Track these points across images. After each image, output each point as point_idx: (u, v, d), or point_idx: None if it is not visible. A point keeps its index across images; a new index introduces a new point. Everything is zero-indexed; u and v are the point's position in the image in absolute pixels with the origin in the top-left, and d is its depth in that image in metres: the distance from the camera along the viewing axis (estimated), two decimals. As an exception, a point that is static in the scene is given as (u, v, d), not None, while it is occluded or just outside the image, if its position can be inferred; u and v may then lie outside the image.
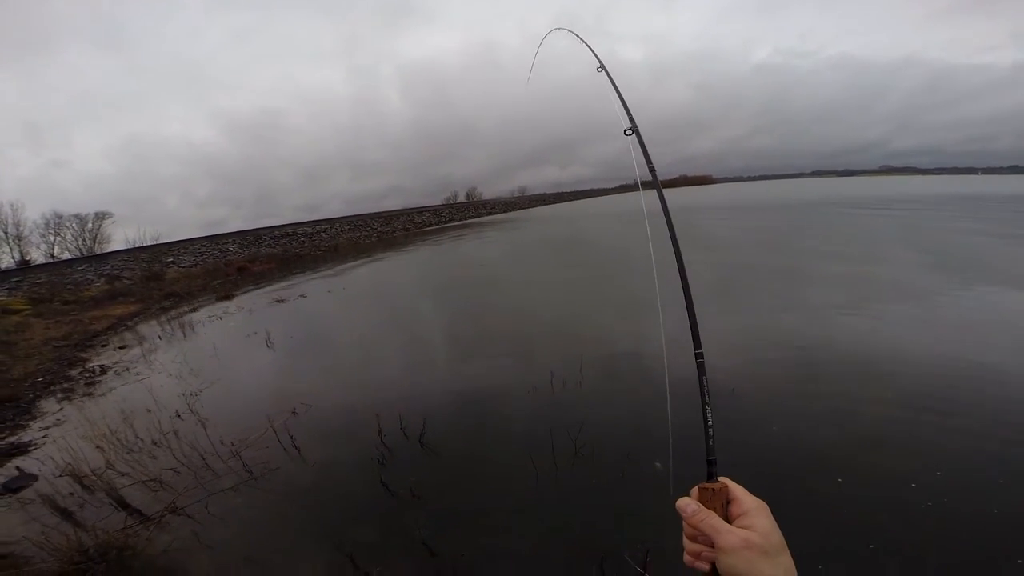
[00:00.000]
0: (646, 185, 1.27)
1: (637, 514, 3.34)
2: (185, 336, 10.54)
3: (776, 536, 0.66)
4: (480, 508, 3.63)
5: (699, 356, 0.91)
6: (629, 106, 1.38)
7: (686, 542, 0.73)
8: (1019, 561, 2.74)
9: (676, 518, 0.72)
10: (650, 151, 1.29)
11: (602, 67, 1.58)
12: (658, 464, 3.84)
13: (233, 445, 4.80)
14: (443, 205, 59.88)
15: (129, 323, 13.23)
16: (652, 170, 1.26)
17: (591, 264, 14.48)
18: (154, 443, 5.03)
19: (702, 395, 0.85)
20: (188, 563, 3.30)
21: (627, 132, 1.31)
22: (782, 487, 3.43)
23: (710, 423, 0.82)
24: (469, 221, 48.96)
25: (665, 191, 1.23)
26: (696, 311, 0.95)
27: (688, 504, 0.73)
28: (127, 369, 8.29)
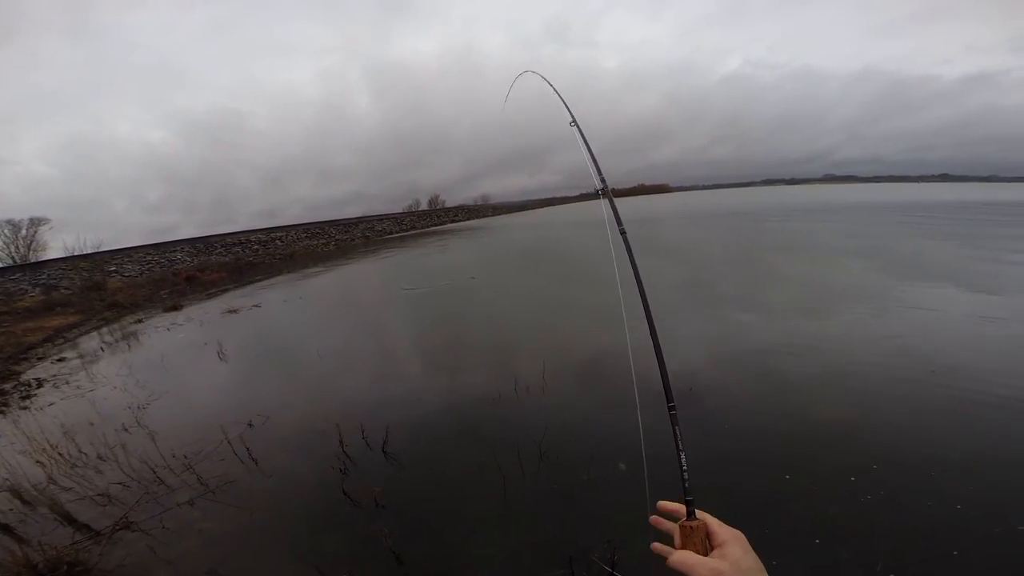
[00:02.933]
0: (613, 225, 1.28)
1: (603, 514, 3.43)
2: (130, 348, 10.10)
3: (747, 562, 0.72)
4: (447, 515, 3.64)
5: (672, 408, 0.96)
6: (599, 162, 1.37)
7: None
8: (954, 553, 2.86)
9: (646, 521, 0.86)
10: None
11: (574, 122, 1.54)
12: (622, 465, 3.95)
13: (186, 458, 4.68)
14: (404, 213, 59.21)
15: (68, 335, 12.51)
16: (623, 232, 1.26)
17: (554, 273, 14.77)
18: (100, 457, 4.85)
19: (676, 444, 0.91)
20: (146, 577, 3.22)
21: (599, 191, 1.33)
22: (734, 483, 3.59)
23: (685, 468, 0.89)
24: (432, 229, 48.70)
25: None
26: (663, 349, 1.00)
27: (661, 550, 0.82)
28: (67, 382, 7.88)
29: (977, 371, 5.24)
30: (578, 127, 1.51)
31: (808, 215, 29.69)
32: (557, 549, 3.12)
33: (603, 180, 1.33)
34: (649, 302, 1.12)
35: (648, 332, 1.08)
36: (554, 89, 1.80)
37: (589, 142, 1.45)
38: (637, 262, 1.21)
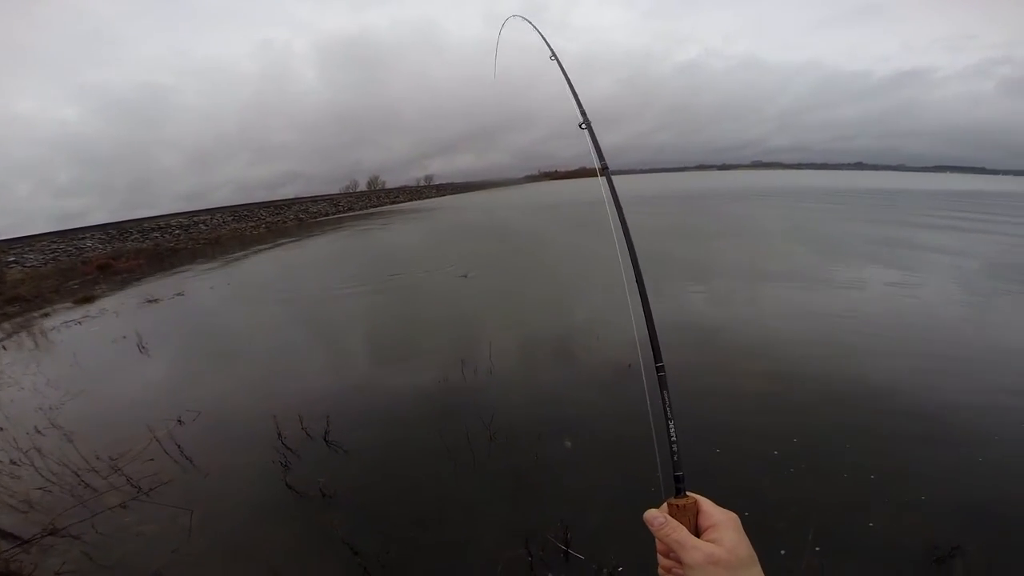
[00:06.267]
0: (597, 172, 1.25)
1: (554, 493, 3.57)
2: (37, 345, 9.34)
3: (743, 549, 0.64)
4: (399, 501, 3.65)
5: (660, 369, 0.86)
6: (581, 98, 1.35)
7: (660, 558, 0.71)
8: (870, 524, 3.03)
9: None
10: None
11: (554, 56, 1.52)
12: (567, 443, 4.13)
13: (112, 460, 4.51)
14: (341, 194, 57.01)
15: (-40, 333, 11.32)
16: (605, 167, 1.21)
17: (498, 253, 14.86)
18: (13, 462, 4.58)
19: (664, 411, 0.83)
20: (86, 585, 3.10)
21: (581, 126, 1.28)
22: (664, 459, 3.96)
23: (674, 439, 0.80)
24: (371, 211, 47.22)
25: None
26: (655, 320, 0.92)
27: (656, 516, 0.70)
28: (-36, 386, 7.24)
29: (886, 344, 5.88)
30: (558, 60, 1.51)
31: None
32: (513, 529, 3.22)
33: (584, 114, 1.29)
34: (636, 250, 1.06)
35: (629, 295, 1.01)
36: (535, 28, 1.84)
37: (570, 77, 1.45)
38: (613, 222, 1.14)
